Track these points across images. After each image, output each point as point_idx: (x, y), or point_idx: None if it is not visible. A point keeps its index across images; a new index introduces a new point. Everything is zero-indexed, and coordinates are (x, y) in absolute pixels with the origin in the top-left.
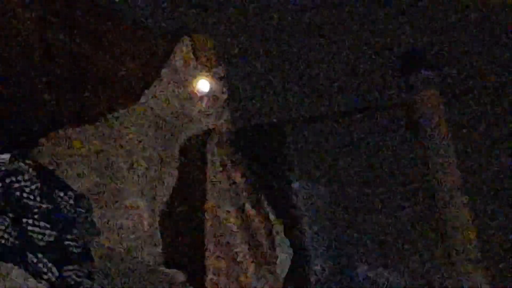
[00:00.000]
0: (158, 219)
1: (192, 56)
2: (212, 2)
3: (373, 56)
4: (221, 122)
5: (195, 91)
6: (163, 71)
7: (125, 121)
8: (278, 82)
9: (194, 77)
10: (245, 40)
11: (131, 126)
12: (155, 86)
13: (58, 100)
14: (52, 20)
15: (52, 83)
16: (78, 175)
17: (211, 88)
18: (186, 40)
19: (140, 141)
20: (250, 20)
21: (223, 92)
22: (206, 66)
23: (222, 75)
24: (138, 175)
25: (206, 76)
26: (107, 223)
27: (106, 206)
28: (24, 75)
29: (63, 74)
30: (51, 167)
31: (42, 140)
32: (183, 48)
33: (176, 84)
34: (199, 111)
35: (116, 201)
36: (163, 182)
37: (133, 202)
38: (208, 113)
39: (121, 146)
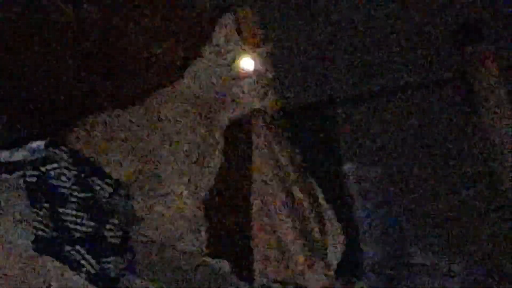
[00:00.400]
0: (201, 206)
1: (235, 33)
2: None
3: (427, 29)
4: (267, 102)
5: (239, 70)
6: (204, 49)
7: (164, 103)
8: (327, 59)
9: (238, 55)
10: (292, 15)
11: (171, 108)
12: (195, 65)
13: (94, 81)
14: None
15: (87, 63)
16: (116, 161)
17: (255, 67)
18: (229, 16)
19: (180, 124)
20: None
21: (268, 71)
22: (251, 43)
23: (268, 52)
24: (179, 160)
25: (251, 54)
26: (148, 211)
27: (146, 193)
28: (58, 55)
29: (98, 53)
30: (87, 154)
31: (78, 125)
32: (226, 25)
33: (218, 63)
34: (243, 91)
35: (157, 188)
36: (206, 167)
37: (174, 188)
38: (253, 92)
39: (161, 130)
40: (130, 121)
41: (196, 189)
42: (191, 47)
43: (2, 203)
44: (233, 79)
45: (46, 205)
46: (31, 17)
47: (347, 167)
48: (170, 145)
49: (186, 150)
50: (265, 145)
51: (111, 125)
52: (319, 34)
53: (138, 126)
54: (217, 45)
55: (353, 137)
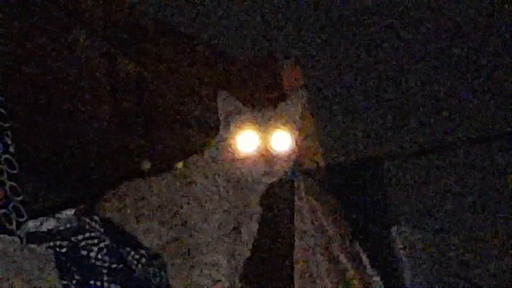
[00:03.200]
0: (239, 276)
1: (239, 110)
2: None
3: (485, 84)
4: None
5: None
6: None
7: (197, 169)
8: (375, 113)
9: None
10: (340, 68)
11: (204, 175)
12: (221, 137)
13: (129, 142)
14: (120, 53)
15: (123, 123)
16: (149, 230)
17: (258, 144)
18: (223, 94)
19: (214, 191)
20: (343, 47)
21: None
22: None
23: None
24: (214, 229)
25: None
26: (183, 282)
27: (180, 263)
28: (92, 116)
29: (134, 112)
30: (119, 222)
31: (109, 193)
32: (226, 103)
33: (231, 139)
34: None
35: (192, 258)
36: (243, 235)
37: (210, 258)
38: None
39: (195, 198)
40: (161, 188)
41: (233, 258)
42: None
43: (31, 276)
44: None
45: (77, 277)
46: (65, 74)
47: (395, 230)
48: (205, 214)
49: (221, 218)
50: (307, 209)
51: (143, 192)
52: (369, 84)
53: (171, 193)
54: (226, 124)
55: (402, 198)
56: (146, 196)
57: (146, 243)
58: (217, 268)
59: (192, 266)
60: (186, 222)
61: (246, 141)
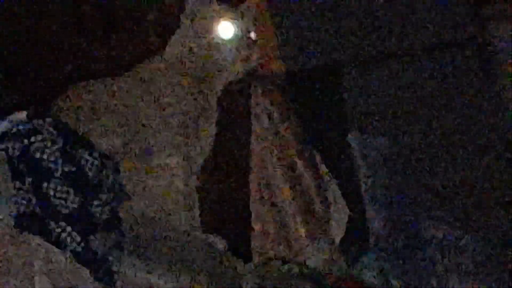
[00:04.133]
0: (194, 179)
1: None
2: None
3: None
4: (251, 66)
5: (218, 37)
6: (182, 17)
7: (155, 71)
8: (333, 18)
9: (214, 21)
10: None
11: (162, 77)
12: (177, 34)
13: (86, 45)
14: None
15: (82, 25)
16: (104, 132)
17: (236, 31)
18: None
19: (173, 93)
20: None
21: (250, 32)
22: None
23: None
24: (171, 131)
25: (230, 18)
26: (137, 186)
27: (135, 166)
28: (50, 18)
29: (92, 16)
30: (73, 125)
31: (64, 94)
32: None
33: (197, 31)
34: (224, 59)
35: (147, 161)
36: (200, 138)
37: (166, 161)
38: (234, 59)
39: (152, 99)
40: (119, 89)
41: (189, 161)
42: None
43: None
44: (213, 46)
45: (29, 179)
46: None
47: (352, 136)
48: (162, 115)
49: (178, 120)
50: (264, 114)
51: (98, 93)
52: None
53: (127, 94)
54: (192, 12)
55: (359, 104)
56: (103, 97)
57: (101, 146)
58: (172, 171)
59: (148, 169)
60: (142, 125)
61: (223, 28)
